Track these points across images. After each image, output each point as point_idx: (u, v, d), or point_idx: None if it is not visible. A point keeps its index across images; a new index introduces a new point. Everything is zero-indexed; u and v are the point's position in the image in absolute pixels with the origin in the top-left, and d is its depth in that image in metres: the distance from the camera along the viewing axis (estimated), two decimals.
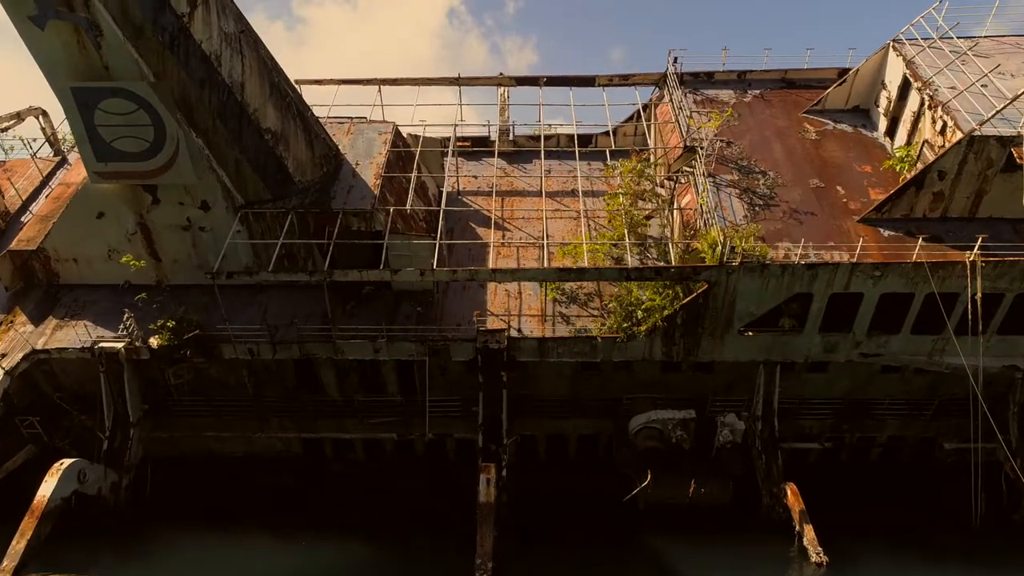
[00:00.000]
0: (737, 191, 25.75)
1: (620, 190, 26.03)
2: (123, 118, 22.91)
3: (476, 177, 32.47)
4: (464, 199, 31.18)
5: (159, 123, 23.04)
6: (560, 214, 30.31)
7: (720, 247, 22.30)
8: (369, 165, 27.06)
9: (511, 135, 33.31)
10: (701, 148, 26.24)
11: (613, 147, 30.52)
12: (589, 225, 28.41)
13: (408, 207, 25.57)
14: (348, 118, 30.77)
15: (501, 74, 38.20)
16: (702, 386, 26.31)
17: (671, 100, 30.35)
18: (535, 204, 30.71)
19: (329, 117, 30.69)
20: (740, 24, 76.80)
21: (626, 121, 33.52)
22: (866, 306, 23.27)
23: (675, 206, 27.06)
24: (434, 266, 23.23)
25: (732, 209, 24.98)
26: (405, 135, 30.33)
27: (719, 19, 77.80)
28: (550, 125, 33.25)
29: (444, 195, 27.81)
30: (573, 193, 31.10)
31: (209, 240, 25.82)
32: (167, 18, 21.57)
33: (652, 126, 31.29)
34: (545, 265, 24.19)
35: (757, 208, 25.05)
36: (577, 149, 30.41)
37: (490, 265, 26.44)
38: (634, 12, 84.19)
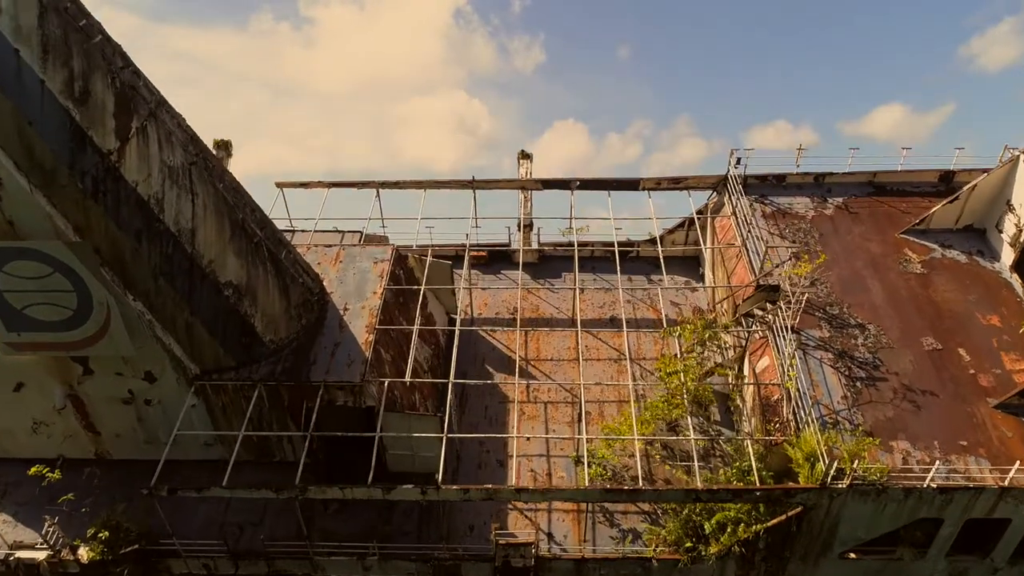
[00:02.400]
0: (830, 356, 20.02)
1: (680, 366, 20.33)
2: (36, 283, 17.61)
3: (495, 296, 26.92)
4: (480, 331, 25.64)
5: (82, 288, 17.73)
6: (597, 353, 24.72)
7: (821, 462, 16.63)
8: (361, 310, 21.55)
9: (536, 242, 27.75)
10: (785, 296, 20.49)
11: (662, 260, 24.62)
12: (634, 366, 23.01)
13: (407, 378, 20.04)
14: (339, 232, 25.36)
15: (522, 152, 32.88)
16: None
17: (734, 214, 24.62)
18: (566, 338, 25.15)
19: (316, 232, 25.30)
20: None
21: (676, 228, 27.84)
22: (1013, 533, 17.55)
23: (748, 373, 21.31)
24: (439, 476, 17.81)
25: (826, 386, 19.27)
26: (408, 254, 24.72)
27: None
28: (581, 228, 27.65)
29: (455, 336, 22.34)
30: (613, 323, 25.54)
31: (158, 414, 20.54)
32: (89, 158, 16.23)
33: (711, 251, 25.55)
34: (585, 481, 18.56)
35: (858, 384, 19.32)
36: (618, 262, 24.76)
37: (513, 446, 20.92)
38: (638, 12, 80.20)
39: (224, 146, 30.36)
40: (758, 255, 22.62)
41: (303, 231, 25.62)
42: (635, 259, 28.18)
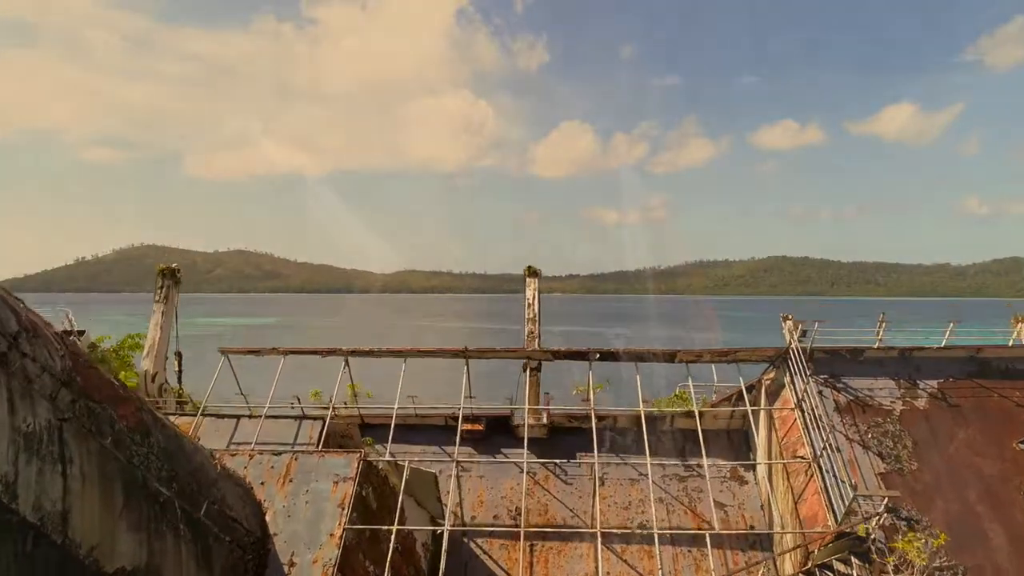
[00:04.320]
0: None
1: None
2: None
3: (492, 488, 21.54)
4: (472, 544, 20.29)
5: None
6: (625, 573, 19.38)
7: None
8: (311, 565, 16.22)
9: (545, 417, 22.38)
10: (878, 560, 15.03)
11: (703, 444, 19.37)
12: None
13: None
14: (295, 419, 20.08)
15: (529, 269, 27.72)
16: None
17: (799, 408, 19.19)
18: (582, 558, 19.79)
19: (266, 417, 20.02)
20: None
21: (722, 402, 22.41)
22: None
23: None
24: None
25: None
26: (380, 462, 19.33)
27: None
28: (599, 387, 22.32)
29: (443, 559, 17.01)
30: (642, 532, 20.19)
31: None
32: None
33: (772, 472, 20.06)
34: None
35: None
36: (647, 446, 19.41)
37: None
38: (642, 12, 74.95)
39: (170, 275, 25.24)
40: (834, 477, 17.21)
41: (252, 416, 20.30)
42: (666, 432, 22.79)
